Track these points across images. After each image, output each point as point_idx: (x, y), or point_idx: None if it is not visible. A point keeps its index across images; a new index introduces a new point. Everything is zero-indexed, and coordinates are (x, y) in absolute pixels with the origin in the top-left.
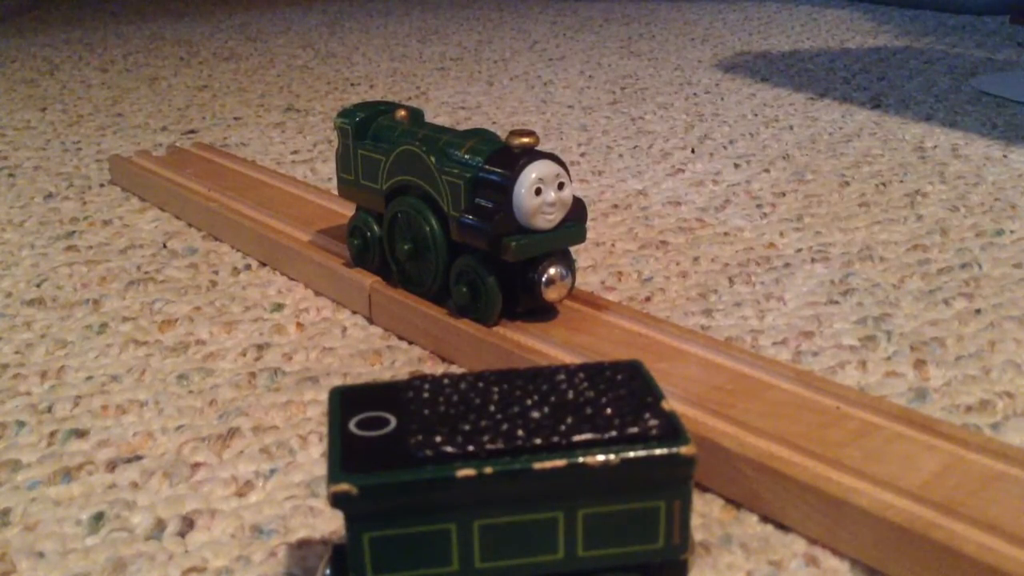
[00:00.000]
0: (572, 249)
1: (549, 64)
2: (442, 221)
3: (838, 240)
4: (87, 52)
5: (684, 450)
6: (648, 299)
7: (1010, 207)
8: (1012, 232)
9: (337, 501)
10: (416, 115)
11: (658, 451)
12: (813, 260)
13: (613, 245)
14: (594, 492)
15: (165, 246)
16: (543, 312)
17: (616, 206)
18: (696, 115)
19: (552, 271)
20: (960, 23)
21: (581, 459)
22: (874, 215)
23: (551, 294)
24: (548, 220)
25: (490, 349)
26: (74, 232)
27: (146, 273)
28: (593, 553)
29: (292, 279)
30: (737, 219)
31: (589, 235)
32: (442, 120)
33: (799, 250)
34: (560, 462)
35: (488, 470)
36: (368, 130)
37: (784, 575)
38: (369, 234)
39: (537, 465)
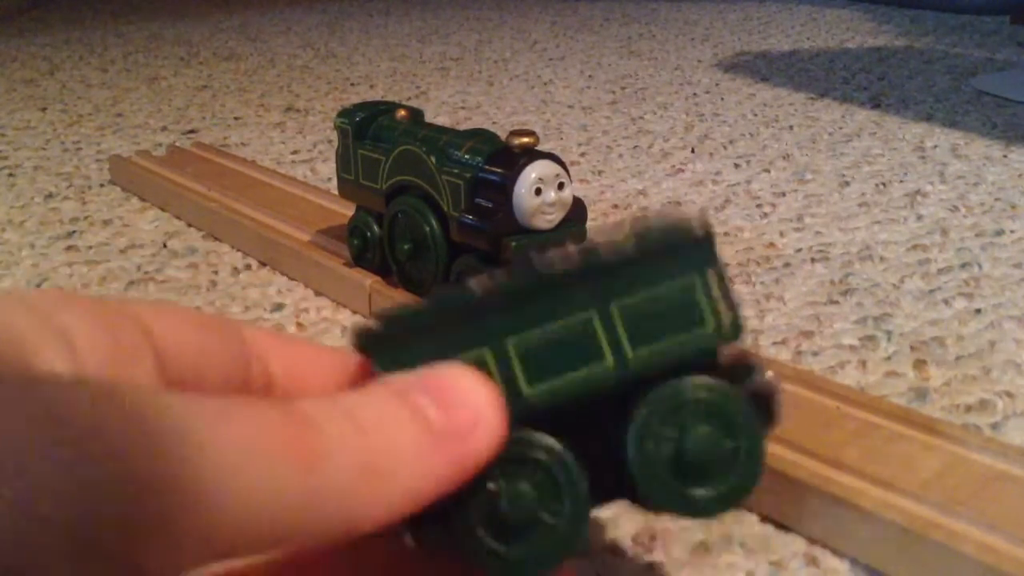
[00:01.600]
0: None
1: (549, 64)
2: (442, 221)
3: (838, 240)
4: (87, 52)
5: (698, 218)
6: None
7: (1010, 207)
8: (1012, 232)
9: (358, 339)
10: (416, 115)
11: (670, 220)
12: (813, 260)
13: None
14: (620, 279)
15: (165, 246)
16: None
17: (616, 206)
18: (696, 115)
19: None
20: (960, 23)
21: (592, 238)
22: (874, 215)
23: None
24: (548, 220)
25: None
26: (74, 232)
27: (146, 273)
28: (644, 352)
29: (292, 279)
30: (737, 219)
31: (589, 235)
32: (442, 120)
33: (799, 250)
34: (572, 247)
35: (502, 277)
36: (368, 130)
37: (784, 575)
38: (369, 234)
39: (552, 262)
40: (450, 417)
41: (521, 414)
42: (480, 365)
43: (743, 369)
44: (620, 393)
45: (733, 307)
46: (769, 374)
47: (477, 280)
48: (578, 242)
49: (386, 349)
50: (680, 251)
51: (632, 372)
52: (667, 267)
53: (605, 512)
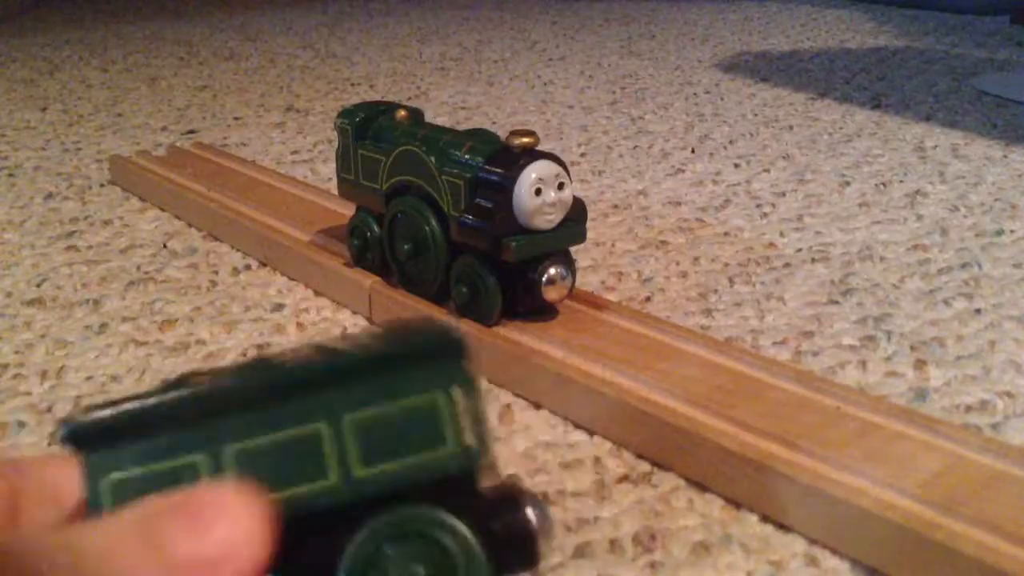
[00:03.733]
0: (572, 249)
1: (549, 64)
2: (442, 221)
3: (838, 240)
4: (87, 52)
5: (446, 325)
6: (648, 299)
7: (1010, 207)
8: (1012, 232)
9: (67, 432)
10: (416, 115)
11: (415, 324)
12: (813, 260)
13: (613, 245)
14: (358, 389)
15: (165, 246)
16: (543, 312)
17: (616, 206)
18: (696, 115)
19: (552, 271)
20: (960, 23)
21: (331, 345)
22: (874, 215)
23: (551, 294)
24: (548, 220)
25: (490, 349)
26: (74, 232)
27: (146, 273)
28: (374, 471)
29: (292, 279)
30: (737, 219)
31: (589, 235)
32: (442, 120)
33: (799, 250)
34: (313, 350)
35: (227, 374)
36: (368, 130)
37: (784, 575)
38: (369, 234)
39: (281, 364)
40: (200, 545)
41: None
42: (192, 472)
43: (503, 502)
44: (346, 517)
45: (480, 430)
46: (532, 512)
47: (206, 377)
48: (576, 241)
49: (97, 446)
50: (428, 364)
51: (358, 493)
52: (412, 381)
53: (605, 511)
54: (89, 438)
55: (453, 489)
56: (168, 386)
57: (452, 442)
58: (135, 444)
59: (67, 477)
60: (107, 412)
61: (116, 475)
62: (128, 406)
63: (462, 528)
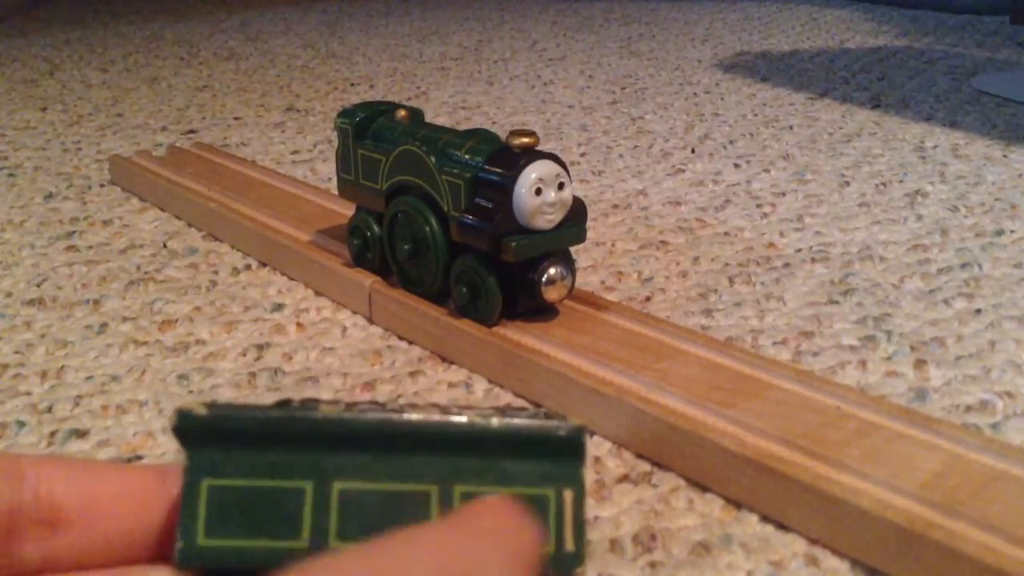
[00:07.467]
0: (572, 249)
1: (549, 64)
2: (442, 221)
3: (838, 240)
4: (87, 52)
5: (573, 424)
6: (648, 299)
7: (1010, 207)
8: (1012, 232)
9: (179, 421)
10: (416, 115)
11: (543, 420)
12: (813, 260)
13: (613, 245)
14: (474, 464)
15: (165, 246)
16: (543, 312)
17: (616, 206)
18: (696, 115)
19: (552, 271)
20: (960, 23)
21: (458, 418)
22: (874, 215)
23: (551, 294)
24: (548, 220)
25: (490, 349)
26: (74, 232)
27: (146, 273)
28: None
29: (292, 279)
30: (737, 219)
31: (589, 235)
32: (442, 120)
33: (799, 250)
34: (435, 416)
35: (355, 411)
36: (368, 130)
37: (784, 575)
38: (369, 234)
39: (410, 416)
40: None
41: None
42: (295, 498)
43: None
44: None
45: (579, 536)
46: None
47: (330, 405)
48: (576, 241)
49: (202, 448)
50: (546, 458)
51: None
52: (527, 470)
53: (605, 511)
54: (198, 434)
55: None
56: (289, 406)
57: (553, 541)
58: (244, 453)
59: (64, 483)
60: (223, 413)
61: (216, 480)
62: (246, 413)
63: None
